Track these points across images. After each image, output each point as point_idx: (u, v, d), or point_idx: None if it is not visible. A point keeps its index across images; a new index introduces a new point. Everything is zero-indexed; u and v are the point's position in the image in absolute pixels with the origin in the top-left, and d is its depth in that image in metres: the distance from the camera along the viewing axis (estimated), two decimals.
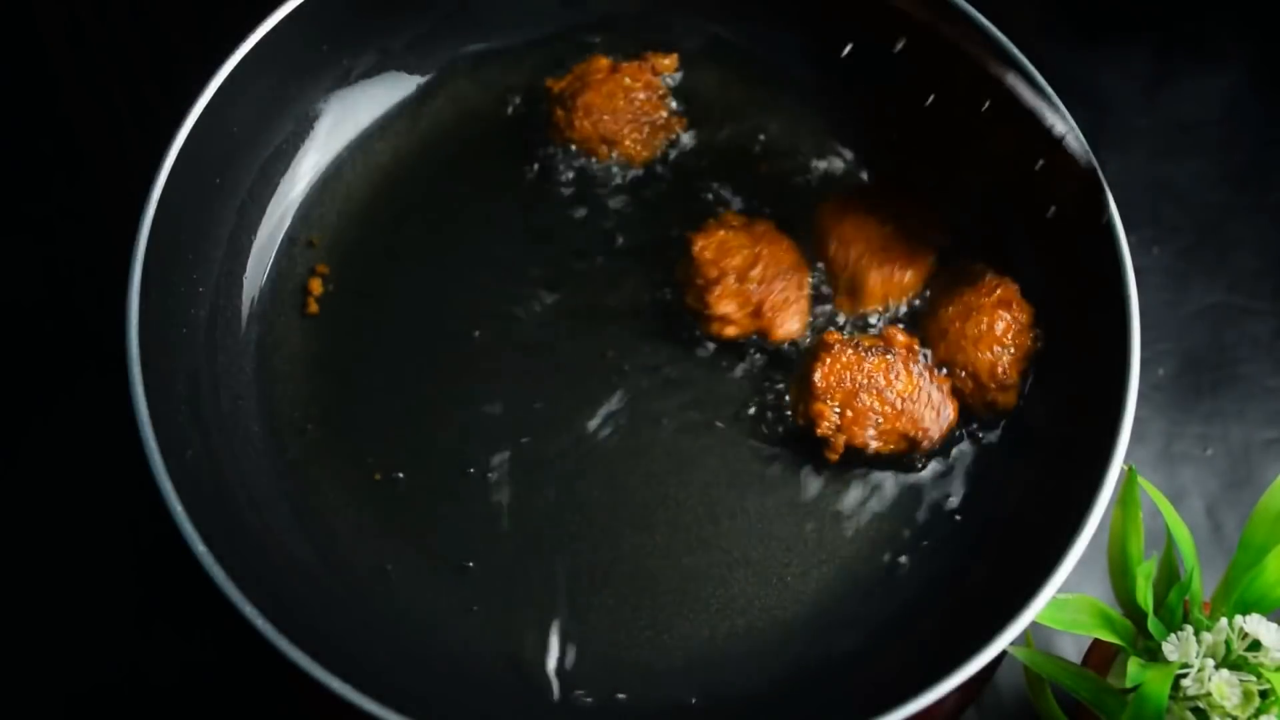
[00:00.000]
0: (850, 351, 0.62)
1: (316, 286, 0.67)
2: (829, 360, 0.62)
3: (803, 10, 0.71)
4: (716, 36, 0.74)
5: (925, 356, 0.64)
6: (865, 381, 0.62)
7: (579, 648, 0.60)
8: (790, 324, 0.64)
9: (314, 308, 0.67)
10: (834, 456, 0.62)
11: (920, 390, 0.62)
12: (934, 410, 0.62)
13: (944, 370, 0.63)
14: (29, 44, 0.80)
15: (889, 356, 0.62)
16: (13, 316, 0.71)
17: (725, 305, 0.64)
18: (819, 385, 0.62)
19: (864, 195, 0.68)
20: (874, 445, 0.62)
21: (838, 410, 0.61)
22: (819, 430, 0.62)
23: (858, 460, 0.63)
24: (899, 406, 0.62)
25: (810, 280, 0.66)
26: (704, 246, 0.65)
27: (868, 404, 0.61)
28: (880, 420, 0.62)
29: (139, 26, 0.80)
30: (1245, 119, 0.80)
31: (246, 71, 0.64)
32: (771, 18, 0.72)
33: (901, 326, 0.65)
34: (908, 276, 0.66)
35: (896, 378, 0.62)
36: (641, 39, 0.73)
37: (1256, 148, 0.79)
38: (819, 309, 0.66)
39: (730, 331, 0.65)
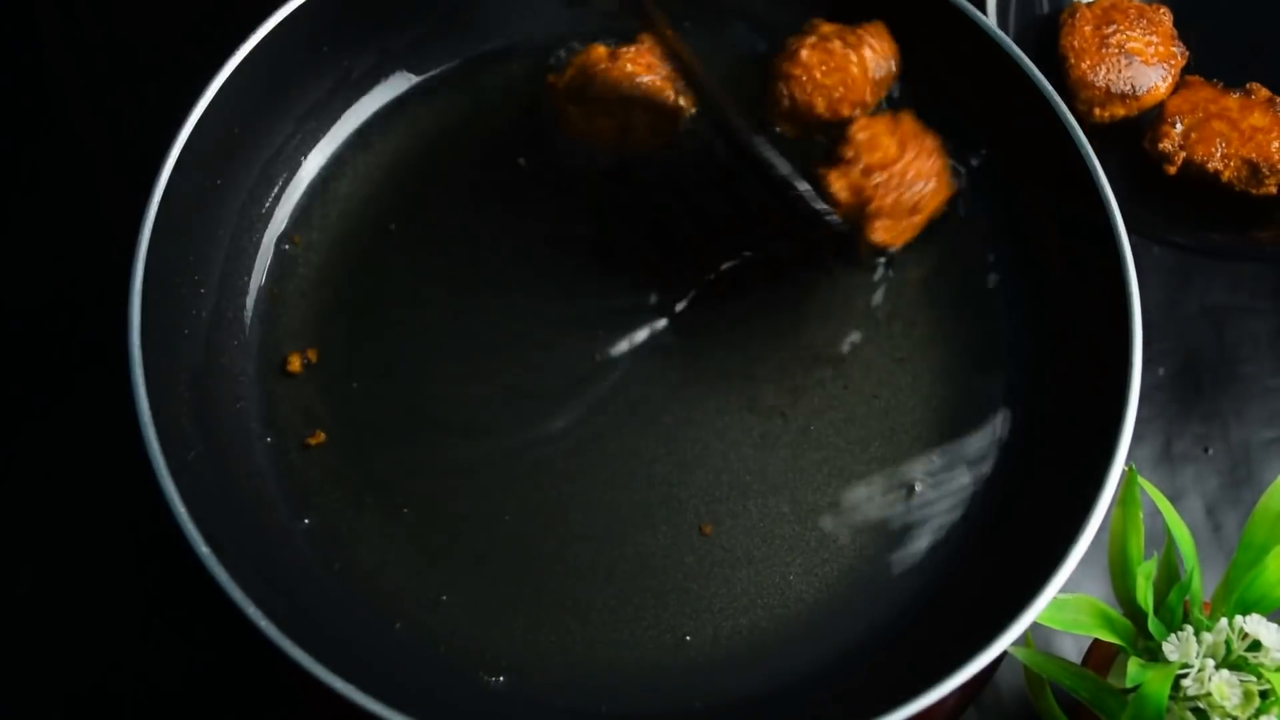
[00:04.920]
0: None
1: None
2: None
3: None
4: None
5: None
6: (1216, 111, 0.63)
7: (582, 648, 0.60)
8: (886, 234, 0.62)
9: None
10: (1171, 170, 0.67)
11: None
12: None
13: None
14: (29, 44, 0.80)
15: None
16: (13, 316, 0.71)
17: (838, 184, 0.62)
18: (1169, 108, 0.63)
19: None
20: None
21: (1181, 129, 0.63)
22: (1160, 146, 0.64)
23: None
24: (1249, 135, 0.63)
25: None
26: (861, 128, 0.63)
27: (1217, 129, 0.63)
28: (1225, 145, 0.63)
29: (139, 26, 0.80)
30: None
31: (246, 71, 0.64)
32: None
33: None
34: None
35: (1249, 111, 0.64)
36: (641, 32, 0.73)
37: None
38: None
39: (837, 206, 0.62)
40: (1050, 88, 0.65)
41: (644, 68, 0.70)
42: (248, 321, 0.66)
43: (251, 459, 0.63)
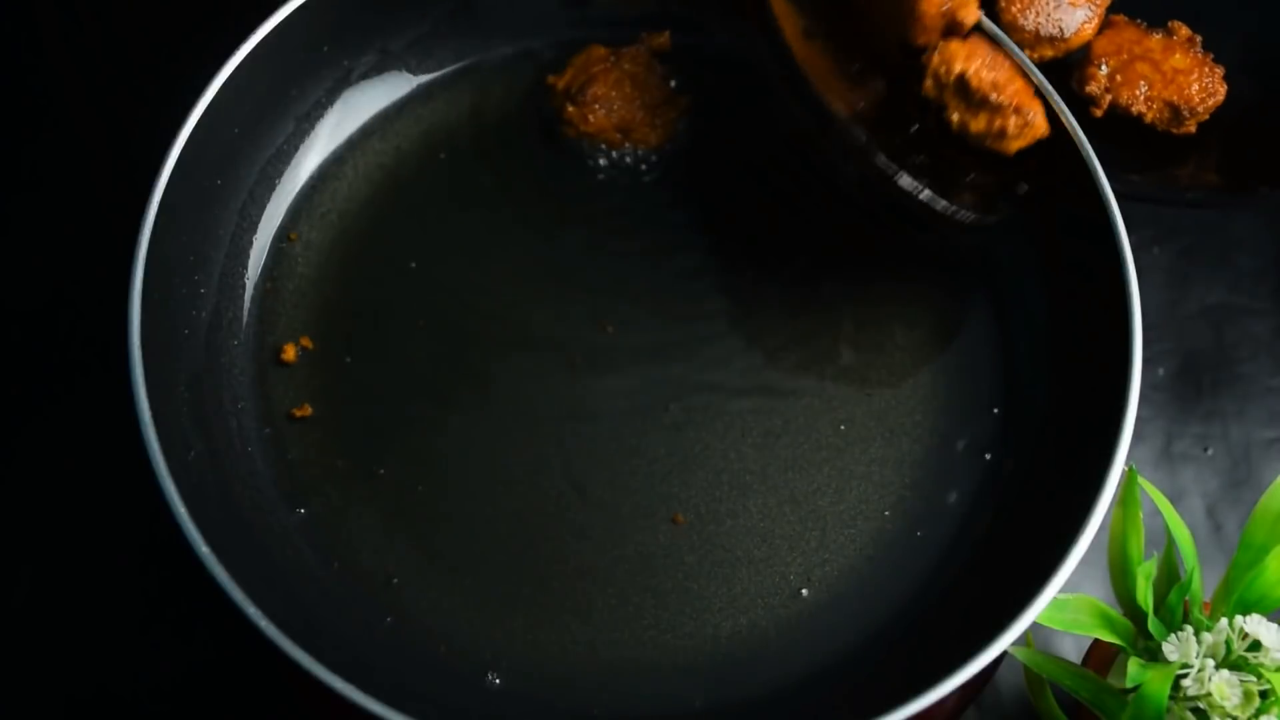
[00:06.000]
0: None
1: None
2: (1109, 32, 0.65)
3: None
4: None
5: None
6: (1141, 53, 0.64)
7: (582, 648, 0.60)
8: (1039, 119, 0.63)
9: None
10: (1098, 112, 0.69)
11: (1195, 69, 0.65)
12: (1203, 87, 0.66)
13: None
14: (29, 44, 0.80)
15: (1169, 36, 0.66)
16: (13, 317, 0.71)
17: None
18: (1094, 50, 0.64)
19: None
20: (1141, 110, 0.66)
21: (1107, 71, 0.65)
22: (1087, 88, 0.66)
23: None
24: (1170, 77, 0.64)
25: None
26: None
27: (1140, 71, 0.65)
28: (1148, 87, 0.65)
29: (139, 26, 0.80)
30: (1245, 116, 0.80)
31: (246, 71, 0.64)
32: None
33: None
34: None
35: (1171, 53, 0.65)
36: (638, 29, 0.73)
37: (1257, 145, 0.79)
38: None
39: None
40: (1051, 88, 0.64)
41: (644, 68, 0.71)
42: (246, 322, 0.66)
43: (250, 460, 0.63)
